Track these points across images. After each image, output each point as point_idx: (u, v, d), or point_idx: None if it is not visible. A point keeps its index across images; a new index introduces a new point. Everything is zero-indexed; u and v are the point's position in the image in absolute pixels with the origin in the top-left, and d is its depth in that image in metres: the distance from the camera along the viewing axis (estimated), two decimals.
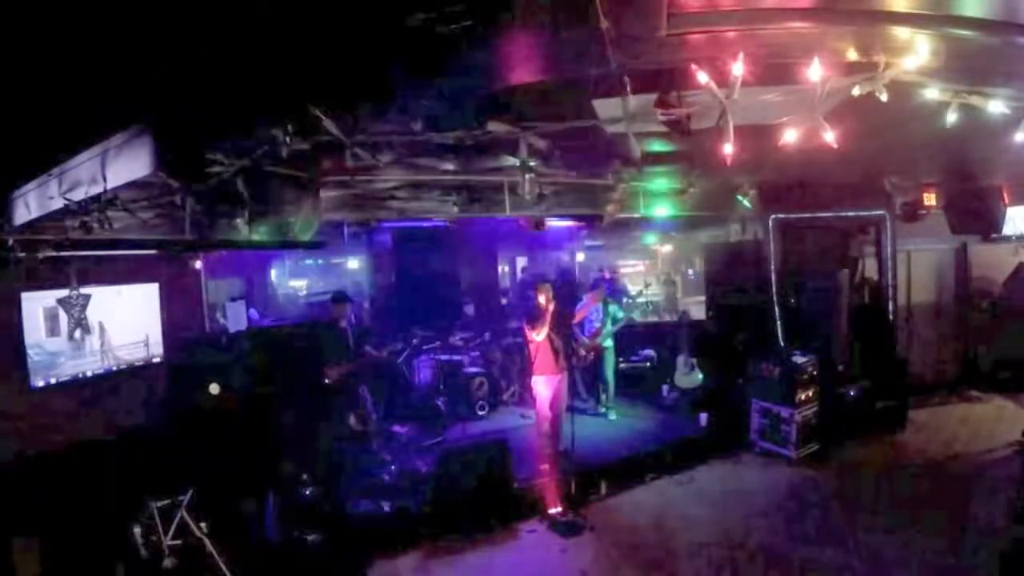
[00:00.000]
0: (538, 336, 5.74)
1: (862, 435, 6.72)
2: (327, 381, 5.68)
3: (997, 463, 5.99)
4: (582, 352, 7.72)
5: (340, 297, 5.97)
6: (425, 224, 8.11)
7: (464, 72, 1.89)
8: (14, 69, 1.89)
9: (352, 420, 5.80)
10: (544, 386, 5.88)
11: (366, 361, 5.84)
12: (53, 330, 4.96)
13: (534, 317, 5.78)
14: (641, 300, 9.94)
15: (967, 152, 5.25)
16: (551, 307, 5.73)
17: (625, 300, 9.45)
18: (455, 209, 5.99)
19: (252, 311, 8.06)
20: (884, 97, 1.99)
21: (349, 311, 5.90)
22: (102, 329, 5.32)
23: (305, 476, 5.08)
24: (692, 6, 1.62)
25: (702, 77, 1.86)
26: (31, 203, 3.40)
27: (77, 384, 5.09)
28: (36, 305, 4.84)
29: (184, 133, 2.11)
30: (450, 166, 4.97)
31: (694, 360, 7.77)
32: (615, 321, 7.82)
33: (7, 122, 2.31)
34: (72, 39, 1.74)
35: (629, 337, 8.55)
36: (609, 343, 7.81)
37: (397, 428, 7.23)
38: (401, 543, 4.87)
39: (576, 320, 7.61)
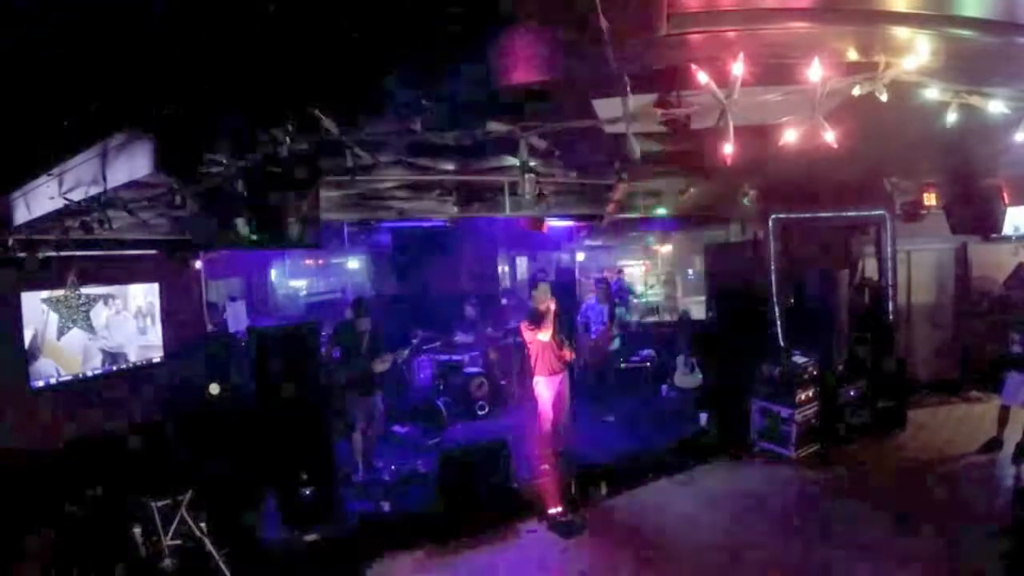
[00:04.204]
0: (543, 337, 5.72)
1: (862, 435, 6.72)
2: (333, 382, 5.69)
3: (997, 463, 6.00)
4: (572, 354, 7.70)
5: (360, 307, 5.94)
6: (425, 224, 8.12)
7: (463, 72, 1.89)
8: (16, 70, 1.89)
9: (359, 421, 5.80)
10: (545, 387, 5.86)
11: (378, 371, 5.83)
12: (53, 330, 4.96)
13: (536, 318, 5.76)
14: (646, 300, 9.95)
15: (967, 152, 5.24)
16: (553, 307, 5.71)
17: (631, 300, 9.44)
18: (455, 209, 5.99)
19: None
20: (884, 97, 1.99)
21: (368, 319, 5.89)
22: (101, 329, 5.32)
23: (305, 476, 5.08)
24: (692, 6, 1.62)
25: (702, 77, 1.86)
26: (31, 203, 3.40)
27: (77, 384, 5.09)
28: (36, 305, 4.84)
29: (184, 133, 2.11)
30: (450, 166, 4.96)
31: (694, 360, 7.78)
32: (622, 322, 7.81)
33: (8, 122, 2.31)
34: (75, 39, 1.74)
35: (629, 337, 8.56)
36: (616, 343, 7.81)
37: (397, 428, 7.23)
38: (401, 543, 4.87)
39: (597, 342, 7.63)
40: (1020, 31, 1.81)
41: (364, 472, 5.88)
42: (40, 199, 3.24)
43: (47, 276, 4.77)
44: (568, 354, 5.97)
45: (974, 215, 7.20)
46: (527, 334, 5.87)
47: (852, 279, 7.59)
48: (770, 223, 7.58)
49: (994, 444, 6.16)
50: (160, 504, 4.32)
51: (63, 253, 4.50)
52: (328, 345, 5.90)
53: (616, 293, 8.20)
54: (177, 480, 4.52)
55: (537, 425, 6.03)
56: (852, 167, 5.83)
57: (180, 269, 6.07)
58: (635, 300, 9.59)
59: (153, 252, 5.48)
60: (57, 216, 3.55)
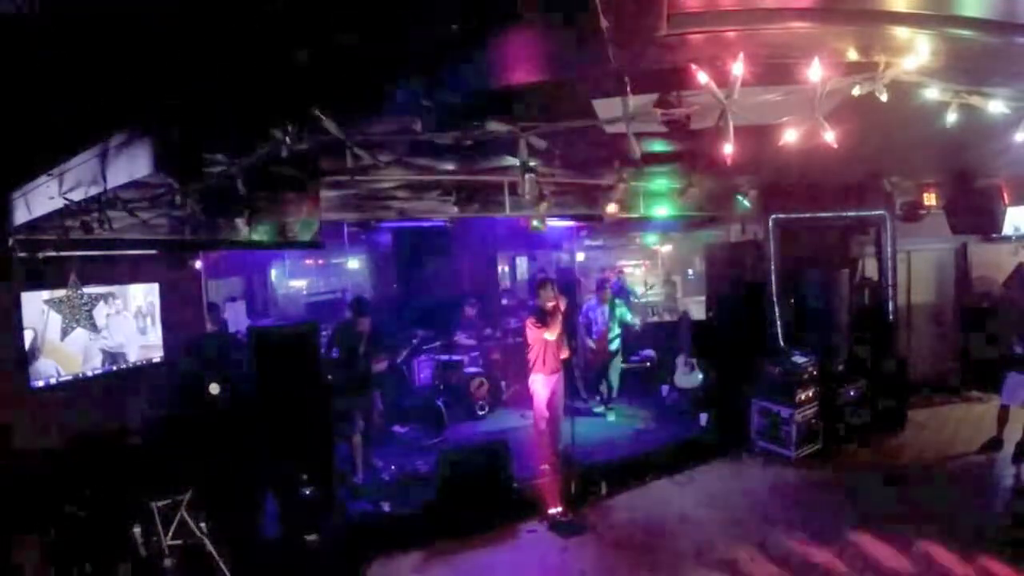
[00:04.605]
0: (549, 336, 5.72)
1: (862, 435, 6.73)
2: (332, 382, 5.68)
3: (997, 463, 6.00)
4: (587, 355, 7.72)
5: (360, 306, 5.94)
6: (425, 224, 8.11)
7: (464, 72, 1.89)
8: (16, 70, 1.89)
9: (359, 421, 5.80)
10: (542, 385, 5.88)
11: (375, 371, 5.83)
12: (54, 330, 4.96)
13: (543, 317, 5.76)
14: (646, 300, 9.95)
15: (967, 152, 5.25)
16: (561, 305, 5.73)
17: (632, 300, 9.45)
18: (455, 209, 5.98)
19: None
20: (884, 97, 1.99)
21: (367, 319, 5.89)
22: (102, 329, 5.32)
23: (305, 476, 5.08)
24: (692, 6, 1.62)
25: (702, 77, 1.85)
26: (31, 203, 3.40)
27: (77, 384, 5.08)
28: (36, 305, 4.84)
29: (184, 132, 2.12)
30: (450, 166, 4.97)
31: (694, 360, 7.78)
32: (623, 323, 7.81)
33: (8, 122, 2.31)
34: (76, 42, 1.74)
35: (629, 337, 8.55)
36: (616, 344, 7.82)
37: (397, 428, 7.23)
38: (401, 543, 4.87)
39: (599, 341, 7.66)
40: (1020, 31, 1.81)
41: (364, 472, 5.88)
42: (40, 199, 3.24)
43: (47, 276, 4.77)
44: (567, 353, 5.98)
45: (974, 215, 7.20)
46: (532, 332, 5.87)
47: (852, 279, 7.59)
48: (770, 223, 7.58)
49: (995, 444, 6.17)
50: (160, 504, 4.32)
51: (63, 253, 4.50)
52: (328, 345, 5.90)
53: (616, 293, 8.20)
54: (177, 480, 4.53)
55: (534, 422, 6.05)
56: (852, 167, 5.84)
57: (180, 269, 6.06)
58: (635, 300, 9.60)
59: (153, 252, 5.47)
60: (57, 216, 3.55)
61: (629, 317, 7.86)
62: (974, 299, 8.39)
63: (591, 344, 7.88)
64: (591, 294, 8.39)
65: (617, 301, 7.91)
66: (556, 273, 10.54)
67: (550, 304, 5.74)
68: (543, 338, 5.75)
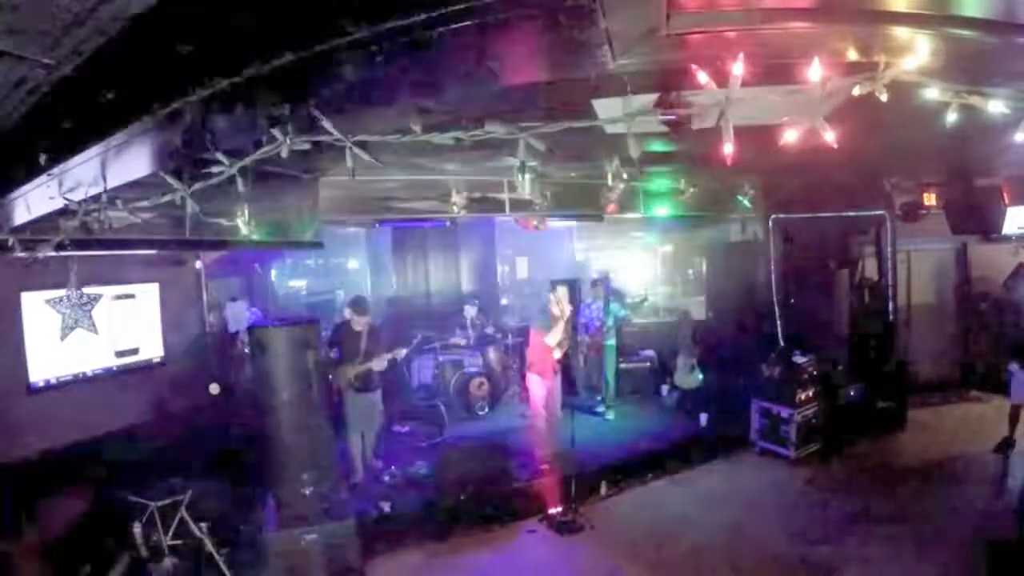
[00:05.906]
0: (551, 341, 5.73)
1: (862, 435, 6.73)
2: (333, 384, 5.68)
3: (997, 463, 6.00)
4: (584, 351, 7.74)
5: (360, 306, 5.93)
6: (425, 224, 8.12)
7: (463, 72, 1.89)
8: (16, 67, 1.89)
9: (359, 421, 5.80)
10: (539, 385, 5.90)
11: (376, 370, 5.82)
12: (54, 330, 4.96)
13: (548, 323, 5.77)
14: (641, 300, 9.96)
15: (967, 152, 5.25)
16: (568, 312, 5.74)
17: (627, 298, 9.46)
18: (455, 209, 5.99)
19: (255, 311, 8.05)
20: (884, 97, 1.99)
21: (367, 318, 5.88)
22: (102, 328, 5.32)
23: (305, 476, 5.08)
24: (692, 6, 1.62)
25: (702, 77, 1.85)
26: (31, 203, 3.40)
27: (77, 384, 5.08)
28: (36, 305, 4.84)
29: (185, 132, 2.11)
30: (450, 166, 4.97)
31: (694, 360, 7.78)
32: (617, 319, 7.83)
33: (7, 122, 2.31)
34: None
35: (629, 337, 8.56)
36: (612, 341, 7.83)
37: (397, 428, 7.23)
38: (401, 543, 4.87)
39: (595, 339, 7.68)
40: (1020, 31, 1.80)
41: (364, 472, 5.87)
42: (40, 199, 3.24)
43: (47, 276, 4.76)
44: (563, 350, 6.01)
45: (974, 215, 7.21)
46: (535, 336, 5.89)
47: (852, 279, 7.60)
48: (770, 223, 7.59)
49: (1008, 443, 6.15)
50: (160, 504, 4.32)
51: (63, 253, 4.49)
52: (328, 345, 5.90)
53: (610, 293, 8.23)
54: (177, 480, 4.52)
55: (532, 420, 6.07)
56: (852, 167, 5.85)
57: (180, 269, 6.06)
58: (630, 300, 9.63)
59: (153, 252, 5.47)
60: (57, 216, 3.54)
61: (623, 313, 7.88)
62: (974, 299, 8.40)
63: (587, 340, 7.88)
64: (587, 295, 8.41)
65: (610, 298, 7.94)
66: (556, 273, 10.55)
67: (557, 309, 5.76)
68: (544, 343, 5.77)
